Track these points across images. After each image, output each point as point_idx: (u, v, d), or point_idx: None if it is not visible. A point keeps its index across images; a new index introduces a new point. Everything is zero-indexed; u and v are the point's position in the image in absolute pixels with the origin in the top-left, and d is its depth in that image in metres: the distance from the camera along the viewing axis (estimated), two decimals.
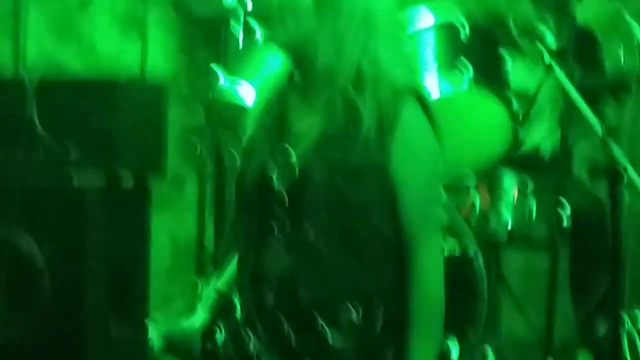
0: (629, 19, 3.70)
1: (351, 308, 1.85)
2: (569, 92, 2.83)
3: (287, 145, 1.90)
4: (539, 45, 3.37)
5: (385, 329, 1.89)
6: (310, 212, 1.84)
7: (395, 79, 1.84)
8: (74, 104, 3.43)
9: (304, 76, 1.91)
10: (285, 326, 1.88)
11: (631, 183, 2.32)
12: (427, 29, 3.23)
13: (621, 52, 3.78)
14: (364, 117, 1.79)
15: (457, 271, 3.08)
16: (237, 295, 2.05)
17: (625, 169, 2.25)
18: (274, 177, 1.88)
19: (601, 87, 3.71)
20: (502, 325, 3.75)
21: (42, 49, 4.29)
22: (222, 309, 2.20)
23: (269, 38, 2.15)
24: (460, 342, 3.11)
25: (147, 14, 4.11)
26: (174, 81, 4.15)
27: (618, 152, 2.29)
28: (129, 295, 3.35)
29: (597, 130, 2.43)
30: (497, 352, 3.43)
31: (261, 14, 3.30)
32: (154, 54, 4.25)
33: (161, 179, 3.49)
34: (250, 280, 1.96)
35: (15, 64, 4.12)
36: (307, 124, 1.89)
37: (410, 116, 1.82)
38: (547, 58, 3.03)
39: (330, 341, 1.83)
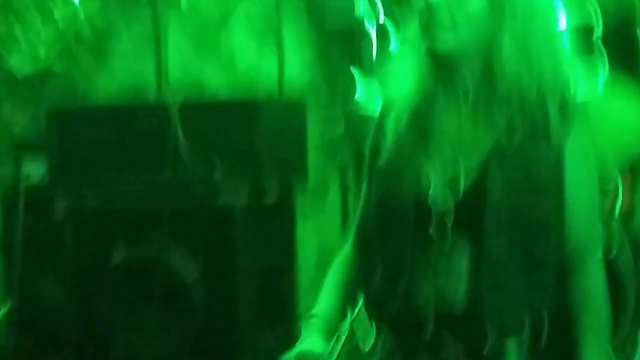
0: None
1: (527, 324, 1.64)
2: None
3: (454, 160, 1.71)
4: None
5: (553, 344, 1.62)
6: (487, 231, 1.67)
7: (570, 89, 1.72)
8: (217, 124, 3.57)
9: (474, 85, 1.69)
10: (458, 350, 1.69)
11: None
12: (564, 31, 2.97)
13: None
14: (549, 132, 1.65)
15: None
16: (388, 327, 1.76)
17: None
18: (437, 194, 1.69)
19: None
20: None
21: (183, 69, 4.44)
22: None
23: (418, 44, 1.78)
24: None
25: (283, 28, 4.17)
26: (312, 93, 4.18)
27: None
28: (278, 307, 3.46)
29: None
30: None
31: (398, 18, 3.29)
32: (291, 67, 4.27)
33: (304, 191, 3.55)
34: (403, 312, 1.74)
35: (158, 86, 4.30)
36: (475, 137, 1.71)
37: (579, 128, 1.71)
38: None
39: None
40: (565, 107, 1.66)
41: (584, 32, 3.01)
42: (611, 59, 2.98)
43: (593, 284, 1.70)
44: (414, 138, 1.73)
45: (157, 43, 4.46)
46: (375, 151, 1.80)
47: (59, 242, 3.78)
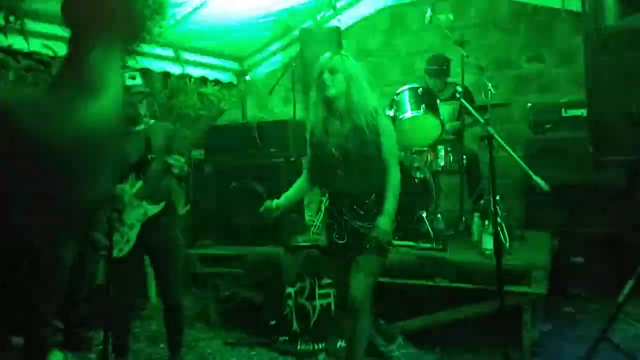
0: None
1: (371, 196, 3.56)
2: (463, 103, 4.63)
3: (335, 137, 3.48)
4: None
5: (379, 199, 3.55)
6: (350, 161, 3.47)
7: (373, 107, 3.47)
8: (270, 131, 5.61)
9: (341, 109, 3.50)
10: (349, 205, 3.56)
11: (499, 145, 3.60)
12: (405, 90, 5.01)
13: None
14: (368, 124, 3.42)
15: (421, 183, 5.08)
16: (327, 198, 3.77)
17: (493, 137, 3.47)
18: (334, 149, 3.50)
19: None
20: (440, 204, 5.48)
21: (254, 113, 7.59)
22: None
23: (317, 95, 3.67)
24: (426, 211, 5.05)
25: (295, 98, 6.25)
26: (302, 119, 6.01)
27: (491, 130, 3.53)
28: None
29: (480, 119, 3.80)
30: (442, 216, 5.27)
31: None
32: (297, 112, 6.50)
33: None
34: (330, 191, 3.66)
35: (243, 118, 7.42)
36: (342, 128, 3.50)
37: (384, 120, 3.51)
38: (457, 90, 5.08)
39: (360, 211, 3.55)
40: (376, 115, 3.44)
41: (414, 90, 4.91)
42: (425, 102, 4.85)
43: (394, 176, 3.54)
44: (323, 132, 3.55)
45: (244, 105, 7.40)
46: (310, 137, 3.67)
47: (207, 181, 5.96)
